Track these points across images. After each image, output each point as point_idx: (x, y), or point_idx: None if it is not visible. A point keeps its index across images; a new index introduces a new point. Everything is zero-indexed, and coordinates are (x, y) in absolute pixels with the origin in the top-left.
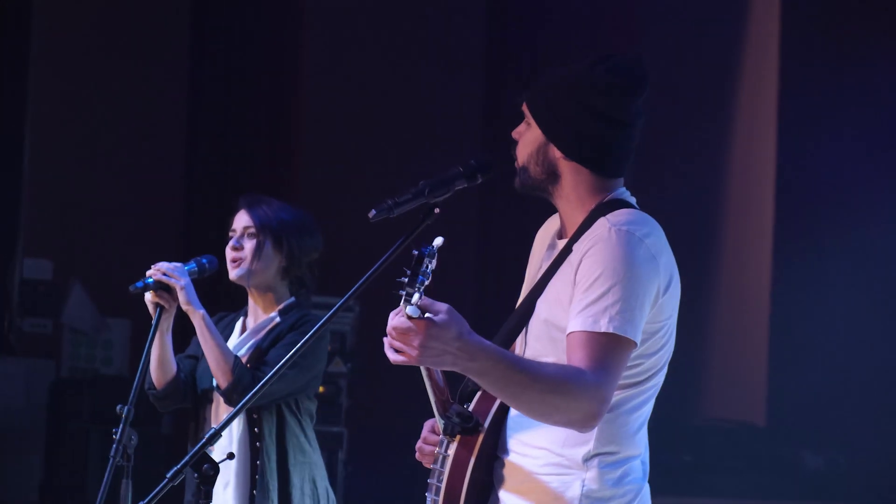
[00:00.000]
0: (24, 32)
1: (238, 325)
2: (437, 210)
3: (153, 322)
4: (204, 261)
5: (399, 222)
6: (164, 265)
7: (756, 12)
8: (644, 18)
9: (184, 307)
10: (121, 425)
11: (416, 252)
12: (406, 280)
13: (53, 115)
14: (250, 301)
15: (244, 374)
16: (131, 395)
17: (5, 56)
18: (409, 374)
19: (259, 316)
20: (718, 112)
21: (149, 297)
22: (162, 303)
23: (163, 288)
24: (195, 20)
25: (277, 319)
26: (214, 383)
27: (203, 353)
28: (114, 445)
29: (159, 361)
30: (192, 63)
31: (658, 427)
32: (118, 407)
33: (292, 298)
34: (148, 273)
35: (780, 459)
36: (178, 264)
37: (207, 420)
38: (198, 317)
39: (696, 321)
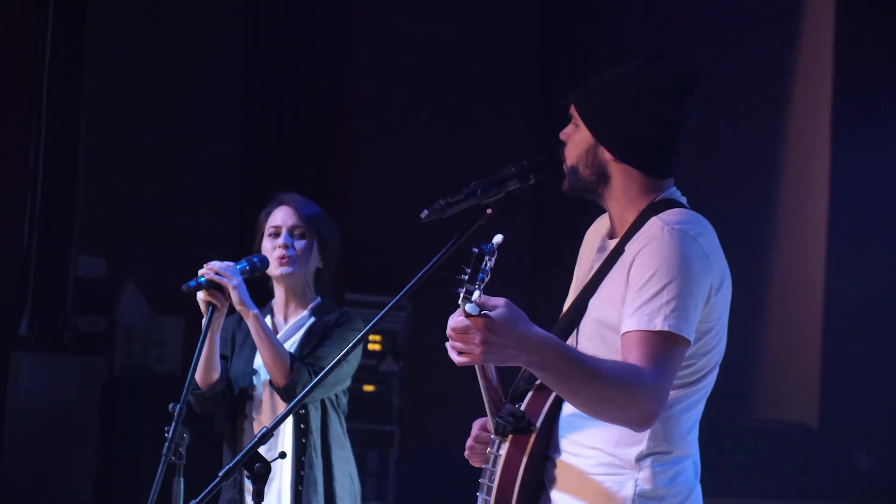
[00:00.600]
0: (79, 36)
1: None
2: (489, 210)
3: (205, 321)
4: (255, 259)
5: (453, 221)
6: (216, 264)
7: (810, 14)
8: (695, 21)
9: (237, 307)
10: (173, 423)
11: (475, 250)
12: (466, 277)
13: (107, 115)
14: (279, 299)
15: (301, 371)
16: (183, 393)
17: (60, 58)
18: (460, 372)
19: (290, 315)
20: (771, 116)
21: (201, 296)
22: (214, 302)
23: (215, 287)
24: (251, 19)
25: (312, 319)
26: (257, 381)
27: (231, 354)
28: (166, 443)
29: (207, 361)
30: (247, 61)
31: (709, 427)
32: (170, 405)
33: (318, 298)
34: (200, 272)
35: (832, 461)
36: (230, 263)
37: (249, 418)
38: (251, 317)
39: (747, 321)
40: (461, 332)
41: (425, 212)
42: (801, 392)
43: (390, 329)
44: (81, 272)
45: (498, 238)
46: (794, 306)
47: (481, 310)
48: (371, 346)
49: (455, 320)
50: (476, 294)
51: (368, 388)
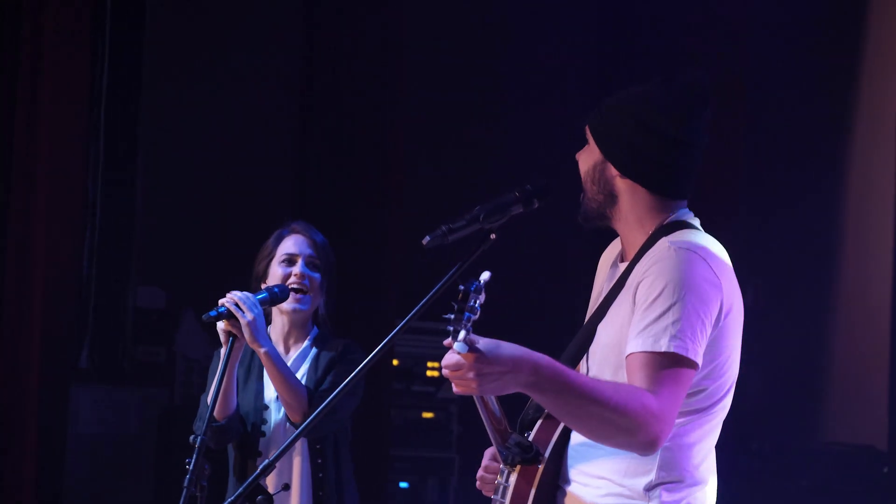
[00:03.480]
0: (136, 67)
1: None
2: (493, 236)
3: (226, 351)
4: (276, 290)
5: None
6: (236, 294)
7: (875, 20)
8: (753, 29)
9: (249, 344)
10: (194, 455)
11: (461, 287)
12: (452, 317)
13: (165, 145)
14: (279, 329)
15: (319, 405)
16: (205, 424)
17: (117, 89)
18: (520, 397)
19: (291, 345)
20: (832, 130)
21: (221, 325)
22: (234, 332)
23: (235, 317)
24: (306, 56)
25: (314, 350)
26: (269, 417)
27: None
28: (187, 476)
29: (225, 392)
30: (303, 97)
31: (774, 452)
32: (191, 437)
33: (316, 329)
34: (220, 301)
35: None
36: (250, 294)
37: (264, 455)
38: (264, 354)
39: (813, 342)
40: (454, 369)
41: (427, 238)
42: (869, 414)
43: None
44: (140, 303)
45: (485, 275)
46: (860, 328)
47: (470, 346)
48: (430, 373)
49: (447, 357)
50: (462, 333)
51: (427, 415)
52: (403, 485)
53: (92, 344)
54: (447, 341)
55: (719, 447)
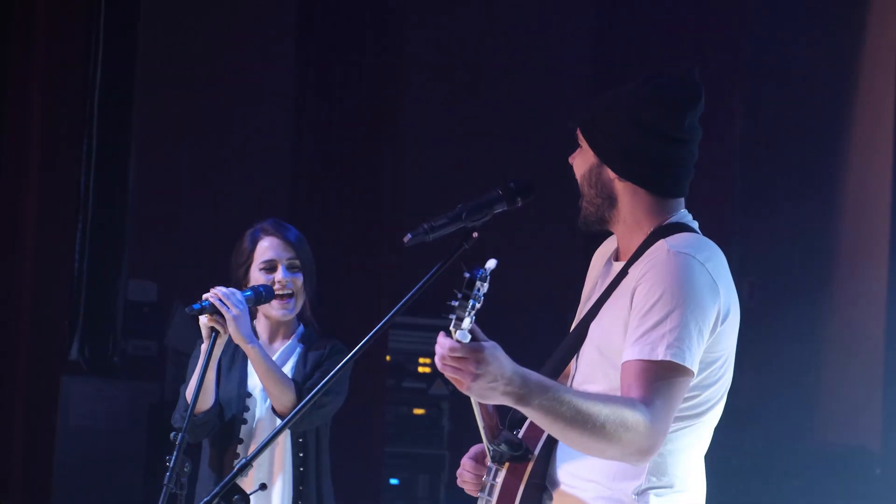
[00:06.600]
0: (130, 58)
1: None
2: (475, 234)
3: (209, 346)
4: (261, 289)
5: (513, 240)
6: (221, 290)
7: (874, 21)
8: (751, 28)
9: (235, 339)
10: (174, 453)
11: (467, 274)
12: (456, 304)
13: (158, 138)
14: (264, 326)
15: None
16: (185, 422)
17: (111, 81)
18: None
19: (276, 341)
20: (831, 129)
21: (204, 320)
22: (217, 327)
23: (219, 312)
24: (300, 51)
25: (301, 347)
26: (253, 405)
27: (218, 377)
28: (167, 473)
29: (205, 388)
30: (298, 85)
31: (767, 451)
32: (171, 434)
33: (302, 326)
34: (204, 296)
35: (895, 485)
36: (236, 291)
37: (245, 443)
38: (251, 350)
39: (807, 342)
40: (457, 358)
41: (408, 236)
42: (863, 414)
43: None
44: (132, 296)
45: (491, 263)
46: (854, 328)
47: (472, 338)
48: (421, 370)
49: (453, 344)
50: (467, 322)
51: (418, 411)
52: (394, 481)
53: (82, 337)
54: (452, 328)
55: (711, 447)
